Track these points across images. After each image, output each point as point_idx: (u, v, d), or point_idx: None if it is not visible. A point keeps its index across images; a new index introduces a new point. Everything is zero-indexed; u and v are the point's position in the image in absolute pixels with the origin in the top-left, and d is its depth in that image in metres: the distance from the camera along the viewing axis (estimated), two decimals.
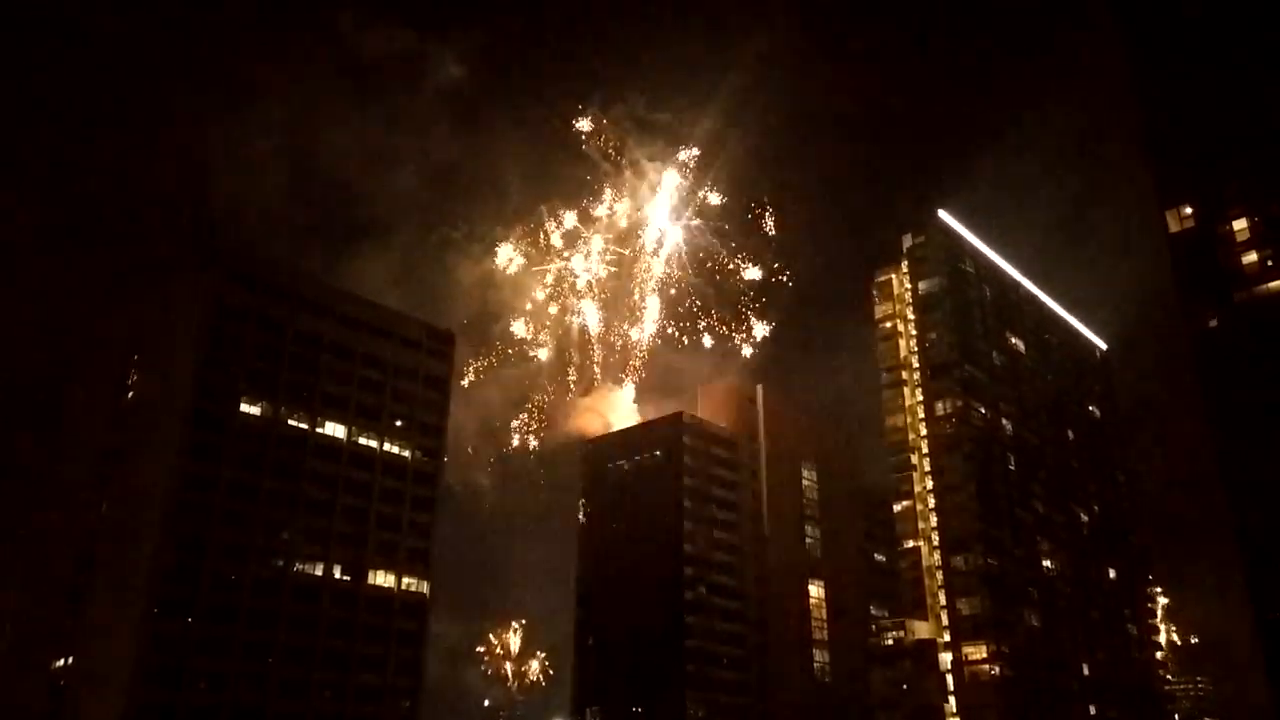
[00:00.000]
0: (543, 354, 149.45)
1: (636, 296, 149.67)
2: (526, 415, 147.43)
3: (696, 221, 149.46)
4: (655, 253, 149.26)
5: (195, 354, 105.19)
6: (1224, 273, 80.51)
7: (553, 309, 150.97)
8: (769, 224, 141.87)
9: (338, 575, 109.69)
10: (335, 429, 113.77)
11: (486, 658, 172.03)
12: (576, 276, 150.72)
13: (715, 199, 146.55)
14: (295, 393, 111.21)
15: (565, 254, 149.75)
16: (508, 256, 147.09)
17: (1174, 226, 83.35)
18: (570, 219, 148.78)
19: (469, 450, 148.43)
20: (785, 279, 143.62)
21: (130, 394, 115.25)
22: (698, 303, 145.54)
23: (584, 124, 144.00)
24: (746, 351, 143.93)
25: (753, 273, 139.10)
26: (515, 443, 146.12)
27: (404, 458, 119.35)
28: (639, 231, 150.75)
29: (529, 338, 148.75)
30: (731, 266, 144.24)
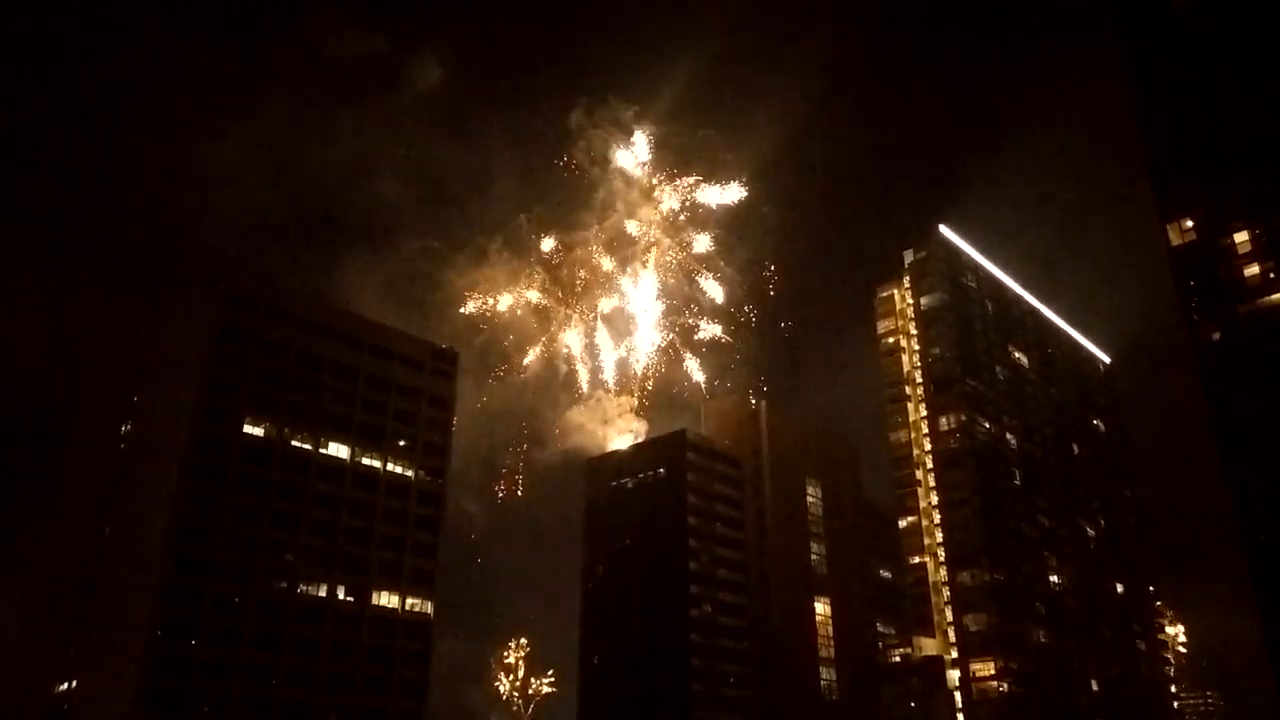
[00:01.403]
0: (534, 368, 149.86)
1: (633, 310, 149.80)
2: (525, 433, 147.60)
3: (693, 234, 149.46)
4: (644, 263, 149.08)
5: (198, 376, 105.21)
6: (1227, 285, 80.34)
7: (544, 316, 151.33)
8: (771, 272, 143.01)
9: (341, 596, 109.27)
10: (338, 449, 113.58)
11: (491, 677, 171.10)
12: (568, 291, 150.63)
13: (709, 224, 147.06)
14: (298, 414, 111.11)
15: (552, 264, 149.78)
16: (493, 275, 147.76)
17: (1175, 239, 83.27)
18: (562, 230, 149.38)
19: (470, 470, 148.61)
20: (785, 326, 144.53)
21: (133, 417, 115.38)
22: (696, 321, 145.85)
23: (570, 127, 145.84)
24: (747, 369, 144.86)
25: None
26: (510, 467, 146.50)
27: (407, 478, 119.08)
28: (631, 244, 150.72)
29: (523, 357, 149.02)
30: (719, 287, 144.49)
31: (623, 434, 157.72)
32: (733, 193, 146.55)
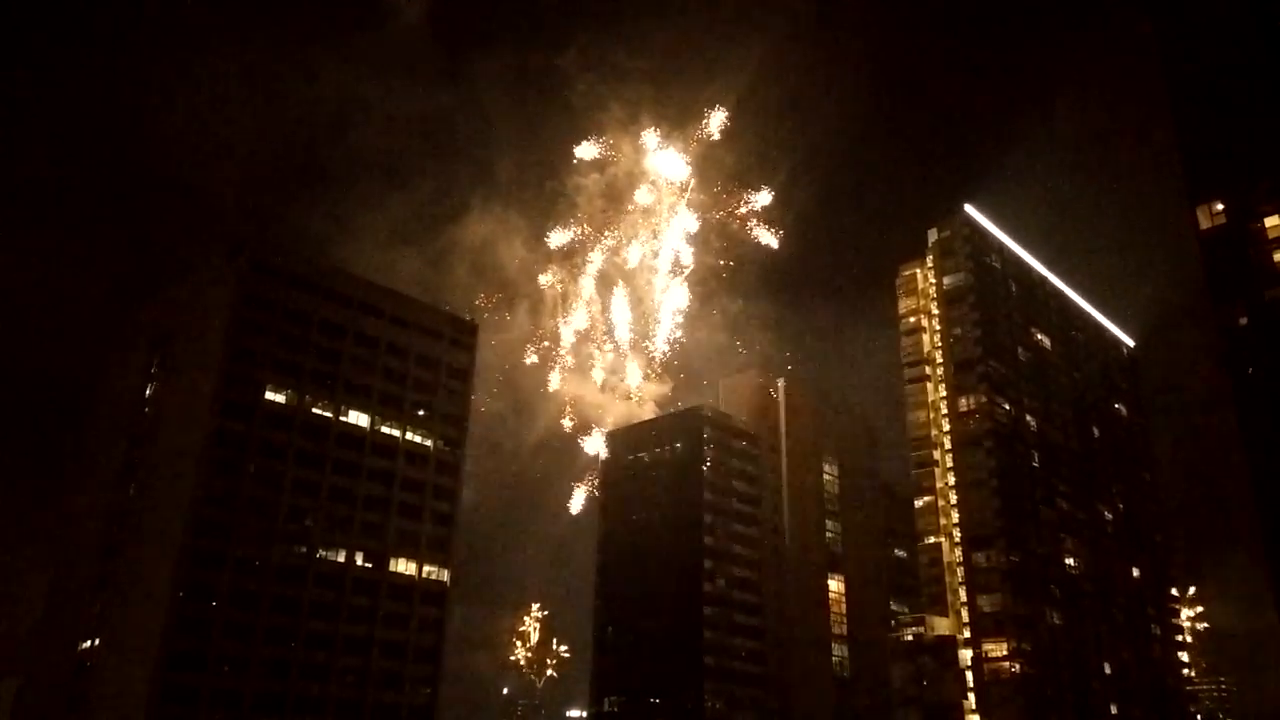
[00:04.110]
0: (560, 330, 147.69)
1: (652, 279, 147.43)
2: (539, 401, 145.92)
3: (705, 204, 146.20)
4: (655, 234, 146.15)
5: (222, 342, 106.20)
6: (1255, 270, 79.27)
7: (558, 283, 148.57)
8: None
9: (360, 562, 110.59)
10: (359, 417, 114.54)
11: (502, 645, 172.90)
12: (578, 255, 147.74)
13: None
14: (319, 381, 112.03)
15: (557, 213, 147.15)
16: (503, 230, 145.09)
17: (1205, 223, 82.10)
18: (564, 175, 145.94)
19: (486, 438, 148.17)
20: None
21: (158, 382, 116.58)
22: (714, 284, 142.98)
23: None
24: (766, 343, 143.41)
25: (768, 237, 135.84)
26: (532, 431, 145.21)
27: (426, 447, 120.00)
28: (641, 206, 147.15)
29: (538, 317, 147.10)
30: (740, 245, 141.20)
31: (635, 401, 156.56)
32: (756, 172, 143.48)
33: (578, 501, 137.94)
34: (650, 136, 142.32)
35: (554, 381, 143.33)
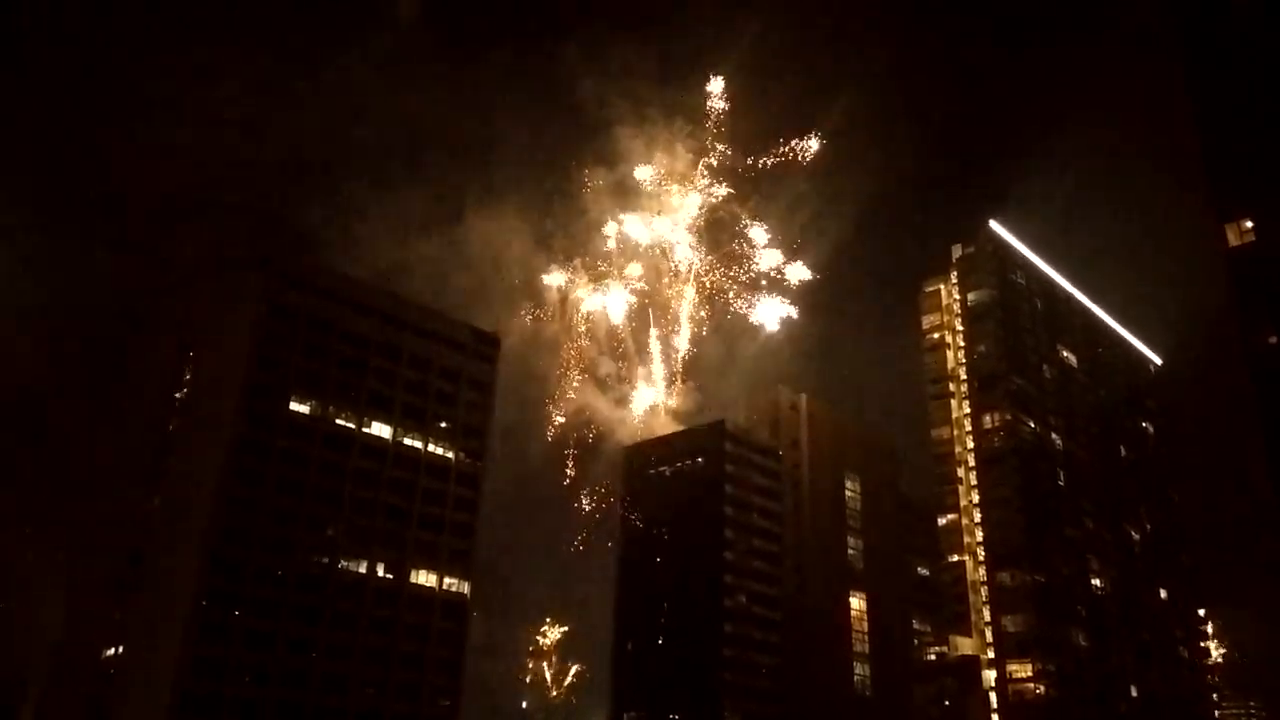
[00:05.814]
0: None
1: (673, 293, 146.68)
2: (561, 414, 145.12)
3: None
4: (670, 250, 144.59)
5: (247, 352, 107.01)
6: None
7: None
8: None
9: (380, 573, 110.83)
10: (381, 429, 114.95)
11: (519, 658, 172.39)
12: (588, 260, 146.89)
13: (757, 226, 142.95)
14: (343, 392, 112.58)
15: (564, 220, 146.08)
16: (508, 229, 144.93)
17: (1234, 240, 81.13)
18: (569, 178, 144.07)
19: (508, 451, 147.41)
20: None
21: (182, 390, 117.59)
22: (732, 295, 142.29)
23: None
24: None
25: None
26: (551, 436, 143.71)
27: (447, 459, 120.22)
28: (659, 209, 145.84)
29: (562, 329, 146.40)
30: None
31: (663, 422, 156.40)
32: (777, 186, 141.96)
33: (594, 531, 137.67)
34: (658, 135, 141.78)
35: (566, 395, 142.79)
